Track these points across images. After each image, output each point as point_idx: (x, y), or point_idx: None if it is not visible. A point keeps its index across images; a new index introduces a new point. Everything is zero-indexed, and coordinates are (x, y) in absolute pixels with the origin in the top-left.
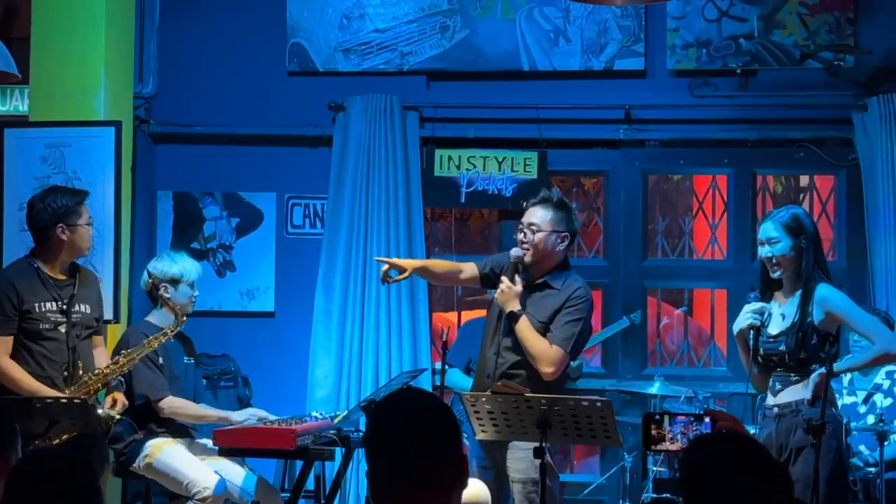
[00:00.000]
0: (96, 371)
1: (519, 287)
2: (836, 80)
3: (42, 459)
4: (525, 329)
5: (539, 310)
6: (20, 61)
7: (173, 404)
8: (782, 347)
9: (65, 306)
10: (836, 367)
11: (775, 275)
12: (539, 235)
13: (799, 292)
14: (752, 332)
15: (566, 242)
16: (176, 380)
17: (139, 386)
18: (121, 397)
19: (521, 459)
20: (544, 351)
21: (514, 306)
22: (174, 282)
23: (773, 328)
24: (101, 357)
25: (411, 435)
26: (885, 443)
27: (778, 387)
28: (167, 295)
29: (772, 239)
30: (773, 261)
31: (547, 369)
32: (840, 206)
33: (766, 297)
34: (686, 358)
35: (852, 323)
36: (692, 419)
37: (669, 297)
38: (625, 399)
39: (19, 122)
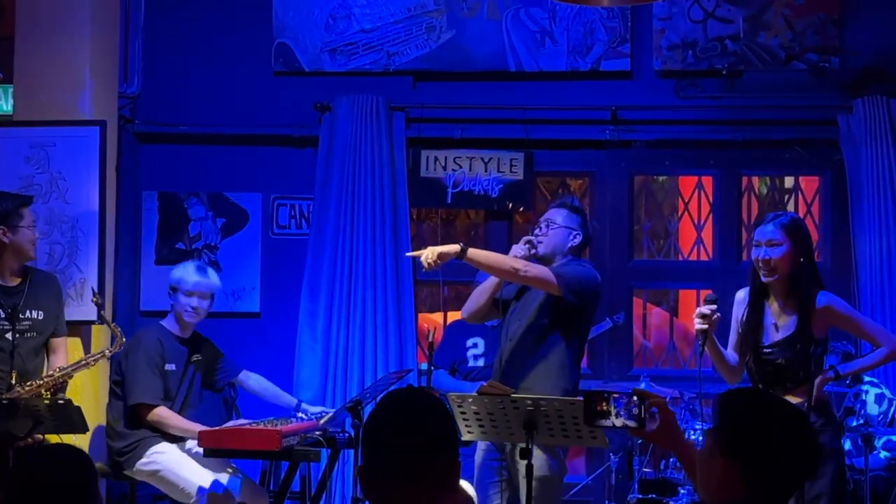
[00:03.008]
0: (29, 383)
1: (439, 248)
2: (822, 81)
3: (44, 457)
4: (482, 254)
5: (534, 297)
6: (4, 60)
7: (161, 415)
8: (780, 360)
9: (10, 313)
10: (844, 369)
11: (767, 279)
12: (554, 228)
13: (796, 302)
14: (702, 335)
15: (578, 240)
16: (180, 388)
17: (135, 387)
18: None
19: (540, 458)
20: (518, 261)
21: (451, 249)
22: (173, 290)
23: (768, 338)
24: (59, 361)
25: (410, 435)
26: (877, 446)
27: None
28: (171, 302)
29: (773, 241)
30: (771, 264)
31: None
32: (825, 208)
33: (759, 305)
34: (672, 359)
35: (858, 327)
36: (626, 397)
37: (655, 297)
38: None
39: (3, 121)
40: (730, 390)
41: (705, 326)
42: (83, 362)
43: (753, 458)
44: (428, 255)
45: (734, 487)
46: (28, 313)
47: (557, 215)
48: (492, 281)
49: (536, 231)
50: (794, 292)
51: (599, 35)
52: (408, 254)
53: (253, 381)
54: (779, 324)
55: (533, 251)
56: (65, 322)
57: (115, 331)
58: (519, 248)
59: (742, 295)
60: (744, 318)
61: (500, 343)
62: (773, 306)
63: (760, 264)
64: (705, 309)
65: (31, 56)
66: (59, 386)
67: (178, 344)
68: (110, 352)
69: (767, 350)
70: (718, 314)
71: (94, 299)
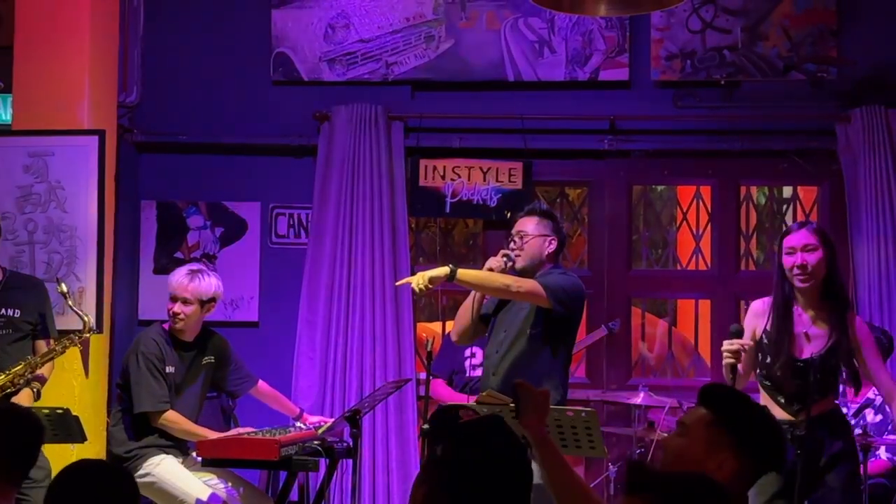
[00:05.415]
0: None
1: (428, 273)
2: (820, 91)
3: (86, 471)
4: (472, 274)
5: (519, 308)
6: (3, 69)
7: (169, 418)
8: (818, 375)
9: None
10: None
11: (804, 285)
12: (528, 239)
13: (828, 312)
14: (730, 369)
15: (554, 246)
16: (180, 391)
17: (140, 395)
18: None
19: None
20: (509, 278)
21: (440, 272)
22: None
23: (799, 350)
24: (46, 365)
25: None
26: (875, 451)
27: (796, 405)
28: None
29: (809, 245)
30: (809, 269)
31: (523, 287)
32: (823, 218)
33: (789, 314)
34: (670, 368)
35: (869, 356)
36: None
37: (654, 307)
38: (609, 410)
39: (2, 130)
40: (718, 385)
41: (733, 360)
42: (51, 351)
43: (761, 452)
44: (418, 280)
45: (736, 477)
46: (2, 311)
47: (528, 224)
48: (472, 298)
49: (511, 245)
50: (825, 301)
51: (598, 45)
52: (398, 283)
53: (263, 388)
54: (810, 334)
55: (510, 264)
56: (53, 325)
57: (83, 317)
58: (495, 261)
59: (760, 306)
60: (767, 330)
61: (486, 356)
62: (806, 314)
63: (797, 270)
64: (734, 345)
65: (31, 65)
66: (29, 379)
67: (176, 347)
68: (79, 337)
69: (801, 363)
70: (746, 346)
71: (60, 289)
